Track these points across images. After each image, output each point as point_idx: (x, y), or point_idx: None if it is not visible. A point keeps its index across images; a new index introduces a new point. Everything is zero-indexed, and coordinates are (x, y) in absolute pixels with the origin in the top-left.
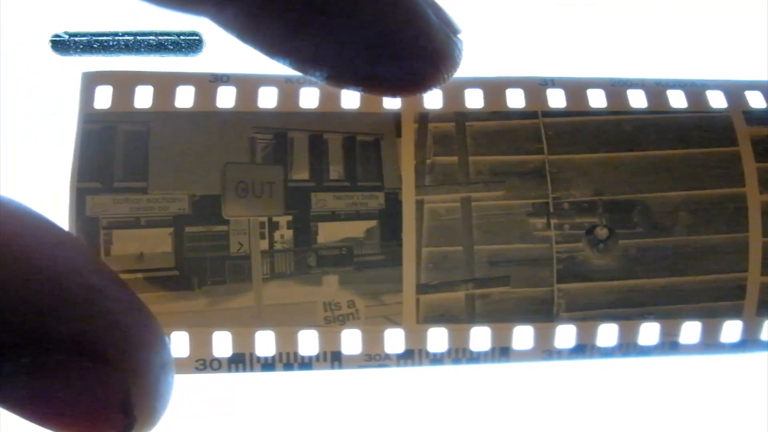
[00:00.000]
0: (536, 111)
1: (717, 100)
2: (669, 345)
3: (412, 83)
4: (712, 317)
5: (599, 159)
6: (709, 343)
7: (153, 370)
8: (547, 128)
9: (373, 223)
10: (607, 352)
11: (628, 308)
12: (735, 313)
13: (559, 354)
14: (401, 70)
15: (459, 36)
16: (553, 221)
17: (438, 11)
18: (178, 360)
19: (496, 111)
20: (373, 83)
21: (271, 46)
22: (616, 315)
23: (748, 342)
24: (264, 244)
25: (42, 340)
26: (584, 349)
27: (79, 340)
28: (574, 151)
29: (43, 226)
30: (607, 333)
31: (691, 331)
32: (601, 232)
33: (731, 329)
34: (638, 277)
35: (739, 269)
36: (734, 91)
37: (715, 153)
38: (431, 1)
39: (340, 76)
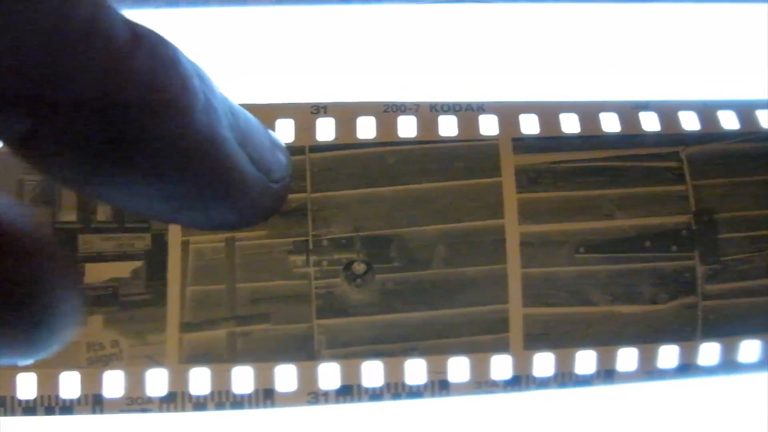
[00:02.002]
0: (304, 146)
1: (490, 126)
2: (438, 384)
3: (220, 228)
4: (478, 352)
5: (359, 195)
6: (480, 381)
7: (50, 272)
8: (313, 164)
9: (139, 263)
10: (375, 395)
11: (390, 344)
12: (502, 348)
13: (326, 397)
14: (206, 220)
15: (282, 181)
16: (312, 258)
17: (260, 156)
18: None
19: None
20: (177, 224)
21: (67, 183)
22: (378, 351)
23: (521, 378)
24: None
25: None
26: (351, 390)
27: None
28: (336, 188)
29: None
30: (373, 372)
31: (461, 368)
32: (359, 267)
33: (502, 365)
34: (397, 311)
35: (499, 301)
36: (507, 114)
37: (476, 185)
38: (255, 143)
39: (141, 214)
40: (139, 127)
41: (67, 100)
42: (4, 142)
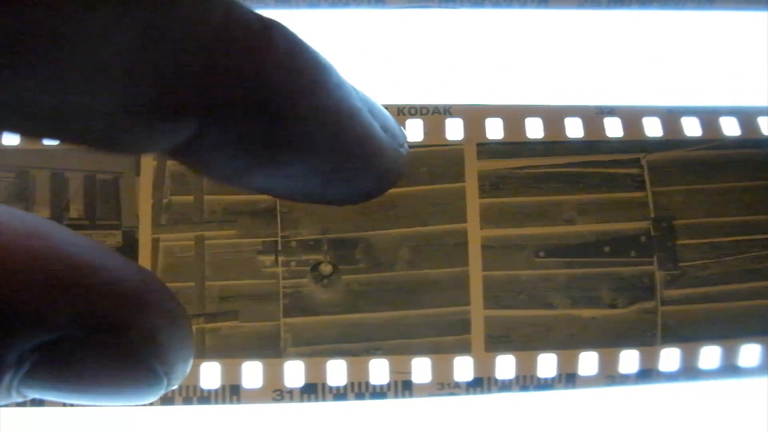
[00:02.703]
0: None
1: (455, 130)
2: (402, 384)
3: (358, 199)
4: (440, 353)
5: None
6: (443, 382)
7: (163, 322)
8: None
9: None
10: (339, 394)
11: (353, 343)
12: (463, 349)
13: (291, 395)
14: (351, 190)
15: (404, 146)
16: (280, 258)
17: (385, 123)
18: None
19: None
20: (321, 202)
21: (226, 178)
22: (343, 350)
23: (483, 381)
24: None
25: (41, 326)
26: (315, 388)
27: (84, 316)
28: None
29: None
30: (338, 371)
31: (423, 369)
32: (326, 268)
33: (464, 366)
34: (362, 311)
35: (461, 303)
36: (473, 118)
37: (440, 190)
38: (380, 112)
39: (290, 198)
40: (292, 108)
41: (228, 96)
42: (162, 150)
